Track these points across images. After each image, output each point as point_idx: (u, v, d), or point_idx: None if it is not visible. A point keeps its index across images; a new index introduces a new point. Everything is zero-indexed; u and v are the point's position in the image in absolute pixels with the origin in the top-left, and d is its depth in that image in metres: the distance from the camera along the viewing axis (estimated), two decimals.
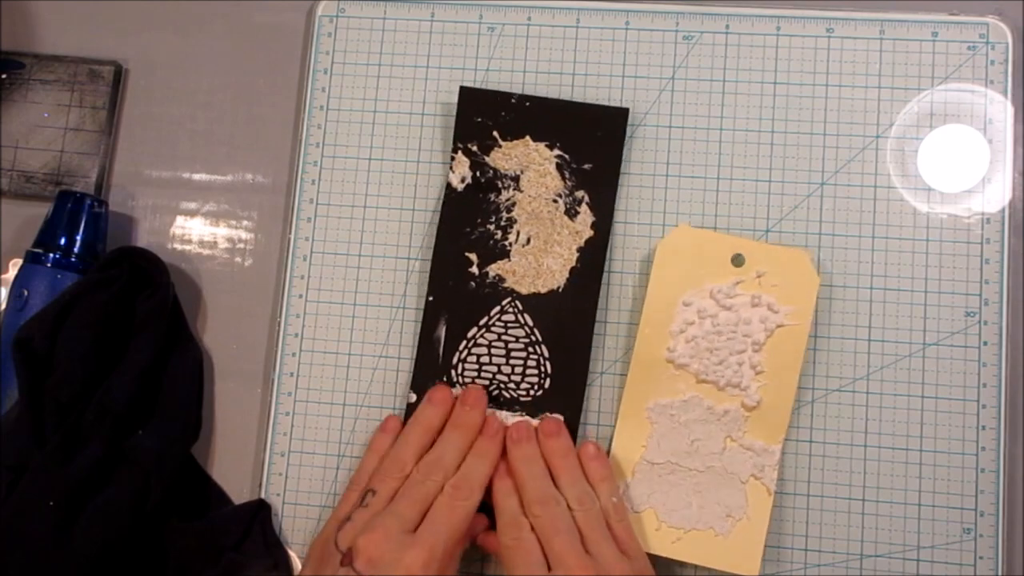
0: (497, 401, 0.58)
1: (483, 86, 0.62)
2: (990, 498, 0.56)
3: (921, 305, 0.58)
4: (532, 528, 0.53)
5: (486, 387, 0.58)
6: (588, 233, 0.59)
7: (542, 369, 0.58)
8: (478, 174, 0.60)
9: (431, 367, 0.59)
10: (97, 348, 0.58)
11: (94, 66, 0.66)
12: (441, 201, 0.61)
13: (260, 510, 0.59)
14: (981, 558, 0.56)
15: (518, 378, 0.58)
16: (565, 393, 0.58)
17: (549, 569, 0.51)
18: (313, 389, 0.61)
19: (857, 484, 0.57)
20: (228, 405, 0.62)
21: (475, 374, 0.59)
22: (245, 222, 0.64)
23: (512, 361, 0.59)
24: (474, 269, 0.59)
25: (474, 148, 0.60)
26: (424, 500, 0.53)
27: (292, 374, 0.61)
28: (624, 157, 0.61)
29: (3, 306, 0.62)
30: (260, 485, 0.60)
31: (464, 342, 0.59)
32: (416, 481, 0.54)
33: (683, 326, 0.58)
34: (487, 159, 0.60)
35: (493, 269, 0.59)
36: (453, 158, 0.60)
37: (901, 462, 0.57)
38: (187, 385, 0.60)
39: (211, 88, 0.65)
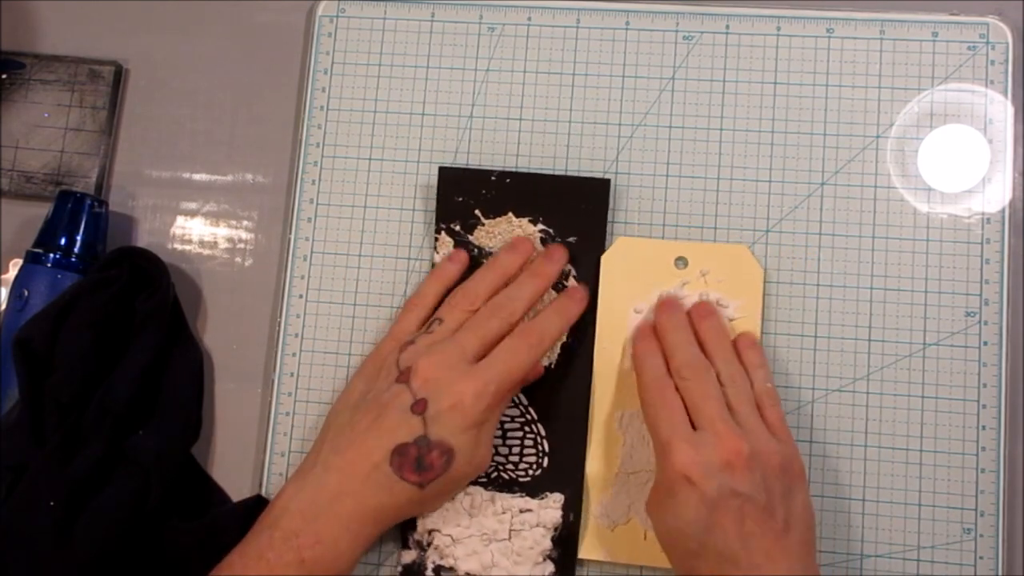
0: (496, 483, 0.57)
1: (483, 86, 0.62)
2: (990, 498, 0.56)
3: (921, 305, 0.58)
4: (677, 390, 0.53)
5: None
6: None
7: (540, 448, 0.58)
8: None
9: None
10: (97, 348, 0.58)
11: (94, 66, 0.66)
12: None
13: (258, 506, 0.59)
14: (981, 558, 0.56)
15: (516, 458, 0.58)
16: (565, 471, 0.57)
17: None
18: (313, 389, 0.61)
19: (857, 484, 0.57)
20: (228, 405, 0.62)
21: None
22: (245, 222, 0.64)
23: (509, 441, 0.58)
24: None
25: (457, 227, 0.60)
26: (487, 337, 0.54)
27: (292, 374, 0.61)
28: (625, 158, 0.61)
29: (3, 306, 0.62)
30: (260, 485, 0.60)
31: None
32: (483, 317, 0.55)
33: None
34: (471, 238, 0.60)
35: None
36: (436, 239, 0.60)
37: (901, 462, 0.57)
38: (187, 385, 0.60)
39: (211, 88, 0.65)
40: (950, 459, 0.57)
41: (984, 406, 0.57)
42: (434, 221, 0.61)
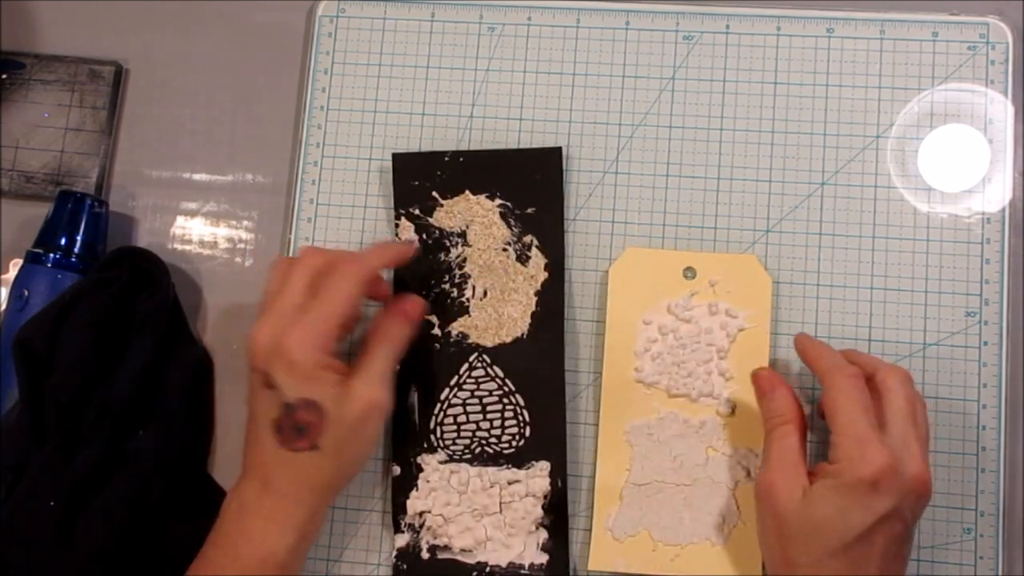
0: (481, 457, 0.58)
1: (483, 86, 0.62)
2: (990, 498, 0.56)
3: (921, 305, 0.58)
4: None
5: (467, 446, 0.58)
6: (543, 276, 0.59)
7: (520, 418, 0.58)
8: (424, 236, 0.60)
9: (409, 435, 0.59)
10: (97, 348, 0.58)
11: (94, 66, 0.66)
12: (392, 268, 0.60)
13: None
14: (981, 558, 0.56)
15: (498, 431, 0.58)
16: (548, 438, 0.58)
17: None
18: None
19: None
20: (228, 405, 0.62)
21: (454, 435, 0.58)
22: (245, 222, 0.64)
23: (489, 415, 0.58)
24: (436, 331, 0.59)
25: (416, 211, 0.60)
26: (296, 286, 0.52)
27: None
28: (625, 158, 0.61)
29: (3, 306, 0.62)
30: None
31: (438, 405, 0.59)
32: (287, 276, 0.53)
33: (647, 345, 0.58)
34: (431, 220, 0.60)
35: (455, 327, 0.59)
36: (397, 225, 0.60)
37: None
38: (187, 385, 0.60)
39: (211, 88, 0.65)
40: (950, 459, 0.57)
41: (984, 406, 0.57)
42: (393, 207, 0.61)
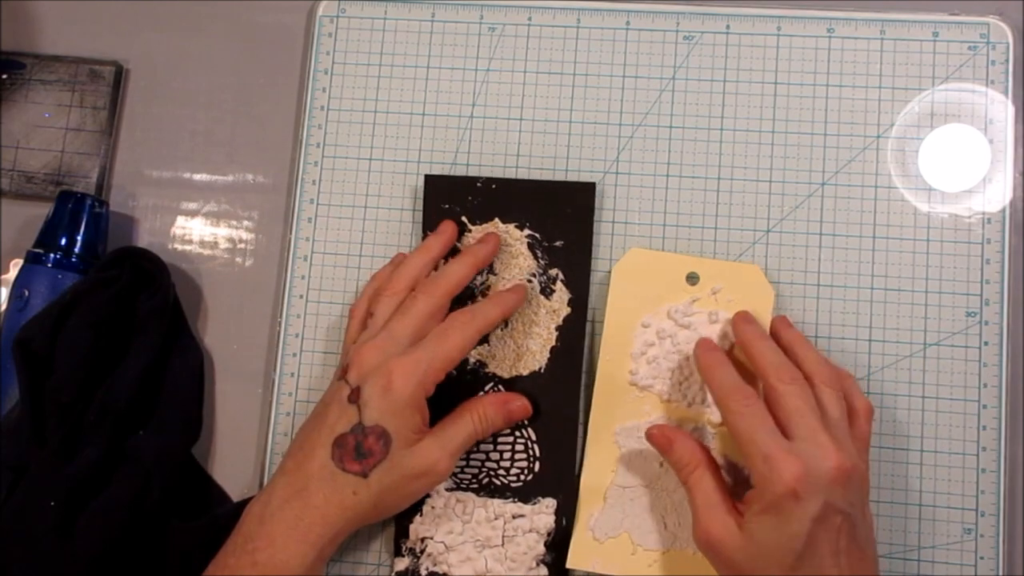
0: (488, 488, 0.57)
1: (483, 86, 0.62)
2: (991, 498, 0.56)
3: (921, 305, 0.58)
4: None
5: (475, 475, 0.58)
6: (565, 311, 0.59)
7: (530, 453, 0.57)
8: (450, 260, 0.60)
9: None
10: (97, 348, 0.58)
11: (94, 66, 0.66)
12: None
13: None
14: (982, 558, 0.56)
15: (507, 464, 0.57)
16: (556, 476, 0.57)
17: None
18: (313, 389, 0.61)
19: None
20: (228, 405, 0.62)
21: (463, 463, 0.58)
22: (245, 222, 0.64)
23: (500, 447, 0.58)
24: None
25: None
26: (418, 318, 0.54)
27: (292, 374, 0.61)
28: (625, 158, 0.61)
29: (3, 306, 0.62)
30: (260, 485, 0.60)
31: None
32: (411, 299, 0.55)
33: (643, 348, 0.58)
34: (458, 244, 0.60)
35: (473, 355, 0.58)
36: None
37: (901, 462, 0.57)
38: (187, 385, 0.60)
39: (211, 88, 0.65)
40: (950, 459, 0.57)
41: (985, 406, 0.57)
42: (421, 230, 0.61)
